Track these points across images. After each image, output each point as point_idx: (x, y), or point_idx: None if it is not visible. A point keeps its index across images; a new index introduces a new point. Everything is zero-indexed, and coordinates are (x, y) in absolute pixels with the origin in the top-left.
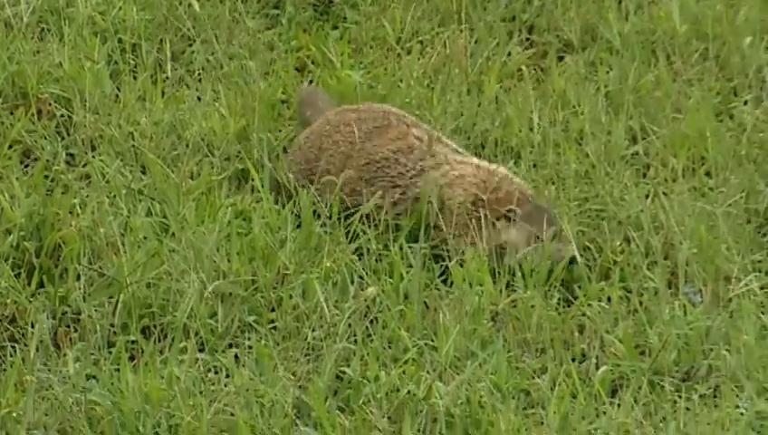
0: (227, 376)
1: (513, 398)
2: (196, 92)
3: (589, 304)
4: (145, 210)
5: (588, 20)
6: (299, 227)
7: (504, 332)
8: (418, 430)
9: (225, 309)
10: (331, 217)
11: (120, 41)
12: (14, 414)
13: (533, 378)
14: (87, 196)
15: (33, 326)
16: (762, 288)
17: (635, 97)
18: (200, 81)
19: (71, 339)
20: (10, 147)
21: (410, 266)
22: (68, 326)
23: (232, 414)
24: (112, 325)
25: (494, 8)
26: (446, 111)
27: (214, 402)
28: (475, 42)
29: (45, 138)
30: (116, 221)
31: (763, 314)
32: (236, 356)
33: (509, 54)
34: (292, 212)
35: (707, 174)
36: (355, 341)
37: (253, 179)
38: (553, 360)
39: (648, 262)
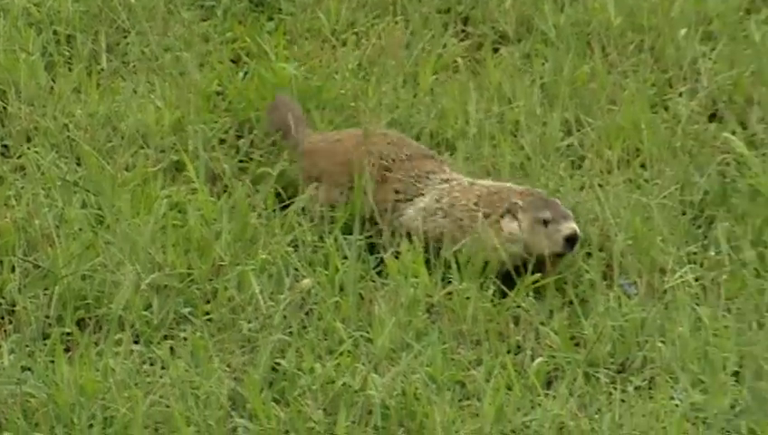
0: (163, 368)
1: (449, 390)
2: (132, 84)
3: (524, 296)
4: (80, 202)
5: (523, 12)
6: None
7: (439, 323)
8: (353, 422)
9: (160, 301)
10: (266, 209)
11: (54, 32)
12: None
13: (469, 370)
14: (22, 188)
15: None
16: (696, 280)
17: (570, 89)
18: (135, 72)
19: (5, 331)
20: None
21: (346, 258)
22: (2, 318)
23: (167, 406)
24: (47, 317)
25: (430, 0)
26: (382, 102)
27: (149, 394)
28: (411, 33)
29: None
30: (51, 213)
31: (698, 305)
32: (172, 348)
33: (444, 46)
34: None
35: (642, 166)
36: (290, 332)
37: (190, 171)
38: (489, 352)
39: (583, 253)
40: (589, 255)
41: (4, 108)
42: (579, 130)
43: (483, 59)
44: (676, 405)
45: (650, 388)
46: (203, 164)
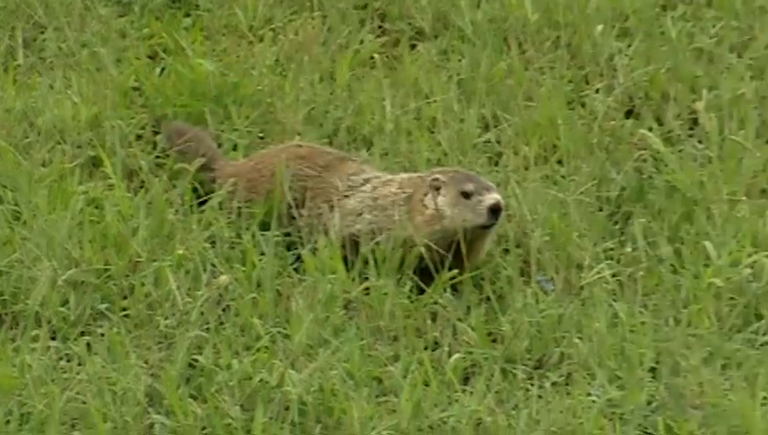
0: (79, 364)
1: (366, 386)
2: (48, 80)
3: (442, 292)
4: None
5: (440, 8)
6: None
7: (356, 319)
8: (271, 418)
9: (77, 297)
10: (183, 205)
11: None
12: None
13: (386, 366)
14: None
15: None
16: (613, 276)
17: (487, 85)
18: (52, 68)
19: None
20: None
21: (263, 254)
22: None
23: (84, 402)
24: None
25: None
26: (299, 98)
27: (66, 390)
28: (328, 29)
29: None
30: None
31: (614, 301)
32: (89, 344)
33: (361, 42)
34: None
35: (559, 162)
36: (207, 329)
37: (107, 167)
38: (406, 348)
39: (500, 250)
40: (506, 251)
41: None
42: (496, 127)
43: (400, 55)
44: (593, 401)
45: (567, 384)
46: (120, 160)
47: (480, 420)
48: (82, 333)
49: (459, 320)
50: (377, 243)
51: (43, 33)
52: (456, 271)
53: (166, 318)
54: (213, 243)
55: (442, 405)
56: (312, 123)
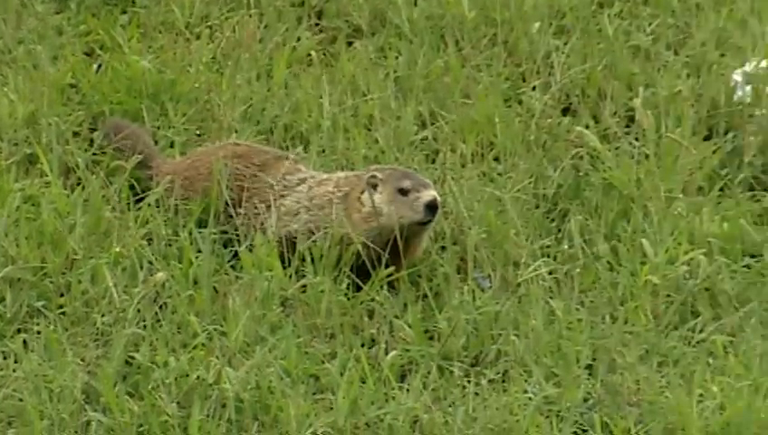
0: (16, 362)
1: (303, 383)
2: None
3: (378, 290)
4: None
5: (377, 5)
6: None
7: (293, 317)
8: (207, 416)
9: (13, 294)
10: (120, 202)
11: None
12: None
13: (323, 363)
14: None
15: None
16: (550, 273)
17: (424, 83)
18: None
19: None
20: None
21: (200, 252)
22: None
23: (20, 400)
24: None
25: None
26: (236, 96)
27: (2, 388)
28: (265, 27)
29: None
30: None
31: (551, 298)
32: (25, 342)
33: (298, 40)
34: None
35: (496, 159)
36: (144, 326)
37: (43, 164)
38: (343, 345)
39: (437, 247)
40: (443, 248)
41: None
42: (433, 124)
43: (337, 52)
44: (530, 398)
45: (504, 381)
46: (56, 157)
47: (417, 418)
48: (19, 331)
49: (396, 317)
50: (314, 242)
51: None
52: (392, 268)
53: (103, 315)
54: (150, 240)
55: (379, 402)
56: (249, 121)
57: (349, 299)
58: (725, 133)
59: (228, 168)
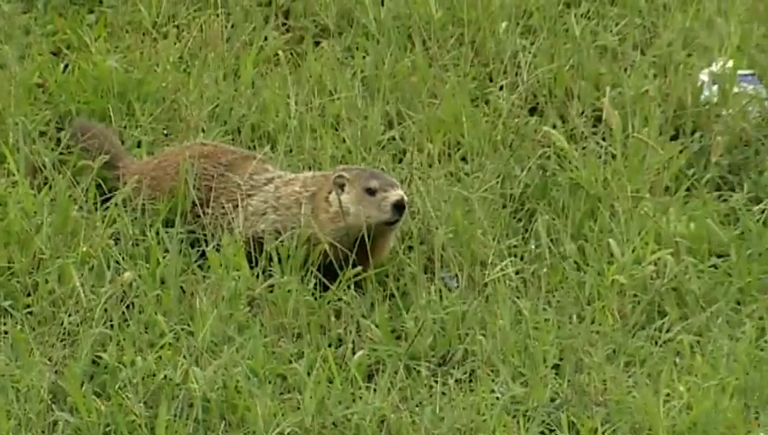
0: None
1: (270, 383)
2: None
3: (345, 289)
4: None
5: (344, 5)
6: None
7: (260, 317)
8: (175, 415)
9: None
10: (87, 202)
11: None
12: None
13: (290, 363)
14: None
15: None
16: (517, 273)
17: (391, 82)
18: None
19: None
20: None
21: (167, 251)
22: None
23: None
24: None
25: None
26: (203, 95)
27: None
28: (232, 26)
29: None
30: None
31: (518, 298)
32: None
33: (265, 39)
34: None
35: (463, 159)
36: (111, 326)
37: (10, 164)
38: (310, 345)
39: (404, 247)
40: (410, 248)
41: None
42: (400, 124)
43: (304, 52)
44: (497, 398)
45: (471, 381)
46: (23, 157)
47: (384, 418)
48: None
49: (363, 317)
50: (281, 242)
51: None
52: (360, 268)
53: (69, 315)
54: (117, 240)
55: (346, 402)
56: (216, 120)
57: (316, 299)
58: (692, 133)
59: (195, 167)
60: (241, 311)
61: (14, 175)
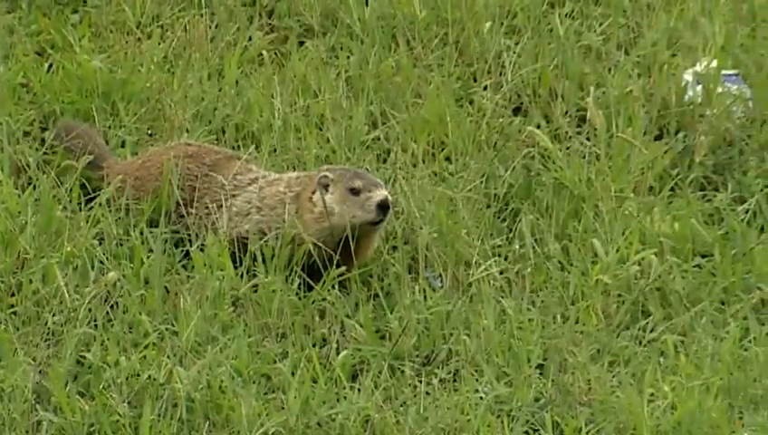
0: None
1: (254, 382)
2: None
3: (330, 289)
4: None
5: (328, 5)
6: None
7: (245, 316)
8: (159, 415)
9: None
10: (71, 202)
11: None
12: None
13: (274, 362)
14: None
15: None
16: (501, 273)
17: (375, 82)
18: None
19: None
20: None
21: (151, 251)
22: None
23: None
24: None
25: None
26: (187, 95)
27: None
28: (216, 26)
29: None
30: None
31: (502, 298)
32: None
33: (250, 39)
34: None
35: (448, 159)
36: (95, 326)
37: None
38: (294, 345)
39: (388, 247)
40: (394, 248)
41: None
42: (384, 124)
43: (288, 52)
44: (481, 398)
45: (455, 380)
46: (7, 157)
47: (368, 417)
48: None
49: (347, 317)
50: (265, 242)
51: None
52: (344, 268)
53: (54, 315)
54: (101, 240)
55: (330, 402)
56: (201, 120)
57: (300, 299)
58: (676, 133)
59: (179, 168)
60: (225, 311)
61: None
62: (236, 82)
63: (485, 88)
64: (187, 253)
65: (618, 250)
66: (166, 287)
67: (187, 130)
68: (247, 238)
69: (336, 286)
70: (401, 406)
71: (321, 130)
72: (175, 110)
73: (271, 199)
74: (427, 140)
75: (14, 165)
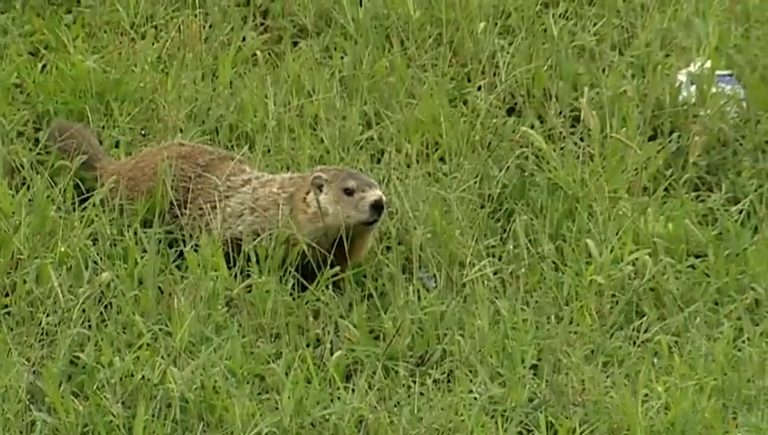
0: None
1: (248, 383)
2: None
3: (324, 290)
4: None
5: (322, 5)
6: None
7: (238, 317)
8: (153, 416)
9: None
10: (65, 202)
11: None
12: None
13: (268, 363)
14: None
15: None
16: (495, 273)
17: (369, 82)
18: None
19: None
20: None
21: (145, 252)
22: None
23: None
24: None
25: None
26: (181, 96)
27: None
28: (210, 26)
29: None
30: None
31: (496, 298)
32: None
33: (244, 39)
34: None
35: (442, 159)
36: (89, 326)
37: None
38: (288, 345)
39: (382, 247)
40: (388, 248)
41: None
42: (378, 124)
43: (282, 52)
44: (475, 398)
45: (449, 381)
46: (1, 157)
47: (362, 418)
48: None
49: (341, 317)
50: (259, 243)
51: None
52: (338, 268)
53: (48, 315)
54: (95, 240)
55: (324, 402)
56: (194, 121)
57: (294, 299)
58: (670, 133)
59: (173, 168)
60: (219, 311)
61: None
62: (230, 83)
63: (479, 88)
64: (181, 253)
65: (612, 250)
66: (160, 288)
67: (181, 131)
68: (241, 240)
69: (330, 287)
70: (395, 406)
71: (314, 130)
72: (169, 110)
73: (264, 200)
74: (421, 140)
75: (8, 165)
